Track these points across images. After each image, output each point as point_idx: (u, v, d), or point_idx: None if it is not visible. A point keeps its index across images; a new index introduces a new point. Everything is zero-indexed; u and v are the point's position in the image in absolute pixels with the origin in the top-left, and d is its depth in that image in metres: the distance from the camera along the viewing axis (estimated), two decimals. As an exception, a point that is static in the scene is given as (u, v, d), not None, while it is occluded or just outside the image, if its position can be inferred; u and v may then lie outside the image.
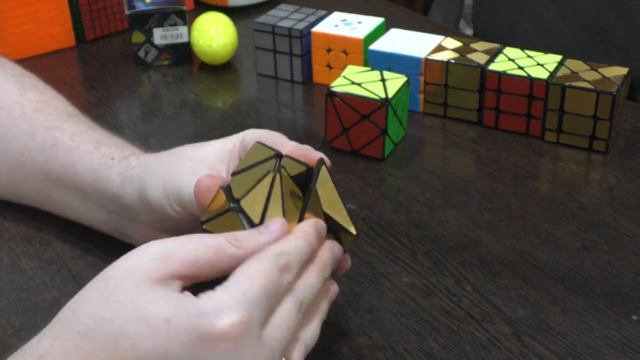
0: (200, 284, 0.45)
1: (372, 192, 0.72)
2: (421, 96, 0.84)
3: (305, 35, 0.88)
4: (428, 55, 0.82)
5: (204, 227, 0.49)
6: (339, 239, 0.50)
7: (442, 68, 0.81)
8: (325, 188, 0.49)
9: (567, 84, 0.75)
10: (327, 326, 0.50)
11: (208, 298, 0.42)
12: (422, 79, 0.82)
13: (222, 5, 1.10)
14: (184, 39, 0.95)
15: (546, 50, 0.84)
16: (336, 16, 0.91)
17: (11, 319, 0.57)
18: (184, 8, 0.94)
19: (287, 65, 0.91)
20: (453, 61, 0.80)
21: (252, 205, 0.48)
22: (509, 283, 0.60)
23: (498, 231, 0.66)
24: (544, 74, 0.77)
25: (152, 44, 0.95)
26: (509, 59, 0.80)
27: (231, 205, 0.48)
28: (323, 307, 0.49)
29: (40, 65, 0.95)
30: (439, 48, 0.83)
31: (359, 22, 0.89)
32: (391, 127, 0.75)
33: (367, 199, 0.70)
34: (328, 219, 0.49)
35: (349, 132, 0.76)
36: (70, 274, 0.62)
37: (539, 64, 0.79)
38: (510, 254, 0.63)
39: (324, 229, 0.49)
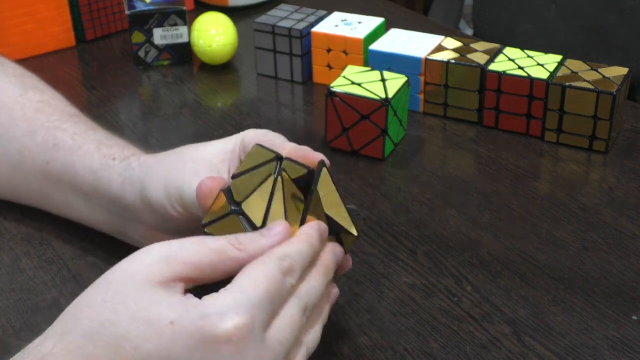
0: (202, 286, 0.45)
1: (372, 192, 0.72)
2: (421, 96, 0.84)
3: (305, 35, 0.88)
4: (428, 55, 0.82)
5: (205, 230, 0.49)
6: (339, 240, 0.50)
7: (442, 68, 0.81)
8: (326, 189, 0.49)
9: (567, 84, 0.75)
10: (328, 326, 0.50)
11: (212, 300, 0.42)
12: (422, 79, 0.82)
13: (222, 5, 1.10)
14: (184, 39, 0.95)
15: (546, 50, 0.84)
16: (336, 16, 0.91)
17: (11, 319, 0.57)
18: (184, 8, 0.94)
19: (287, 65, 0.91)
20: (453, 61, 0.80)
21: (253, 208, 0.48)
22: (509, 283, 0.60)
23: (498, 231, 0.66)
24: (544, 74, 0.77)
25: (152, 44, 0.95)
26: (509, 59, 0.80)
27: (232, 208, 0.48)
28: (325, 311, 0.49)
29: (40, 65, 0.95)
30: (439, 48, 0.83)
31: (359, 22, 0.89)
32: (391, 127, 0.75)
33: (367, 199, 0.71)
34: (329, 220, 0.49)
35: (349, 132, 0.76)
36: (70, 274, 0.62)
37: (539, 64, 0.79)
38: (510, 254, 0.63)
39: (326, 232, 0.49)
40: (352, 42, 0.86)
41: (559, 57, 0.80)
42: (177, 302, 0.42)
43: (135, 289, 0.42)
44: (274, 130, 0.54)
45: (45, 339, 0.42)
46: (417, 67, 0.82)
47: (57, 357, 0.41)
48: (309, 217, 0.49)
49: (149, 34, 0.94)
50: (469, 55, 0.81)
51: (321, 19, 0.91)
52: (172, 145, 0.59)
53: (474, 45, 0.84)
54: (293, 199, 0.49)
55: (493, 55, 0.81)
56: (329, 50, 0.88)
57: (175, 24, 0.94)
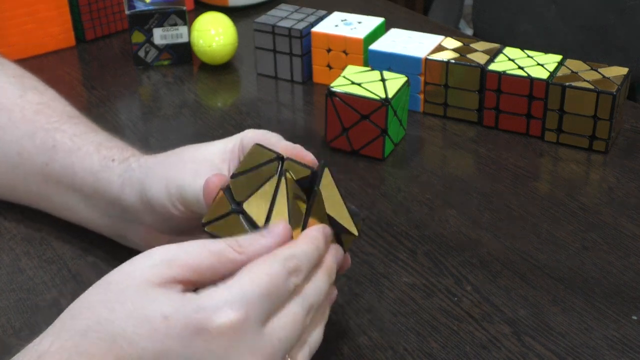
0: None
1: (372, 192, 0.72)
2: (421, 96, 0.84)
3: (305, 35, 0.88)
4: (428, 55, 0.82)
5: (205, 229, 0.49)
6: (339, 240, 0.50)
7: (442, 68, 0.81)
8: (328, 190, 0.49)
9: (567, 84, 0.75)
10: (328, 326, 0.50)
11: (208, 294, 0.43)
12: (422, 79, 0.82)
13: (222, 5, 1.10)
14: (184, 39, 0.95)
15: (546, 50, 0.84)
16: (336, 16, 0.91)
17: (11, 319, 0.57)
18: (184, 8, 0.94)
19: (287, 65, 0.91)
20: (453, 61, 0.80)
21: (255, 208, 0.48)
22: (509, 283, 0.60)
23: (498, 231, 0.66)
24: (544, 74, 0.77)
25: (152, 44, 0.95)
26: (509, 59, 0.80)
27: (233, 207, 0.48)
28: (327, 311, 0.49)
29: (40, 65, 0.95)
30: (439, 48, 0.83)
31: (359, 22, 0.89)
32: (391, 127, 0.75)
33: (367, 199, 0.71)
34: (331, 220, 0.49)
35: (349, 132, 0.76)
36: (70, 274, 0.62)
37: (539, 64, 0.79)
38: (510, 254, 0.63)
39: (330, 235, 0.49)
40: (352, 42, 0.86)
41: (559, 57, 0.80)
42: (173, 298, 0.42)
43: (135, 290, 0.43)
44: (274, 130, 0.54)
45: (44, 338, 0.42)
46: (417, 67, 0.82)
47: (53, 355, 0.41)
48: (311, 217, 0.49)
49: (149, 34, 0.94)
50: (469, 55, 0.81)
51: (321, 19, 0.91)
52: (172, 145, 0.59)
53: (474, 45, 0.84)
54: (296, 199, 0.49)
55: (493, 55, 0.81)
56: (329, 50, 0.88)
57: (175, 24, 0.94)
